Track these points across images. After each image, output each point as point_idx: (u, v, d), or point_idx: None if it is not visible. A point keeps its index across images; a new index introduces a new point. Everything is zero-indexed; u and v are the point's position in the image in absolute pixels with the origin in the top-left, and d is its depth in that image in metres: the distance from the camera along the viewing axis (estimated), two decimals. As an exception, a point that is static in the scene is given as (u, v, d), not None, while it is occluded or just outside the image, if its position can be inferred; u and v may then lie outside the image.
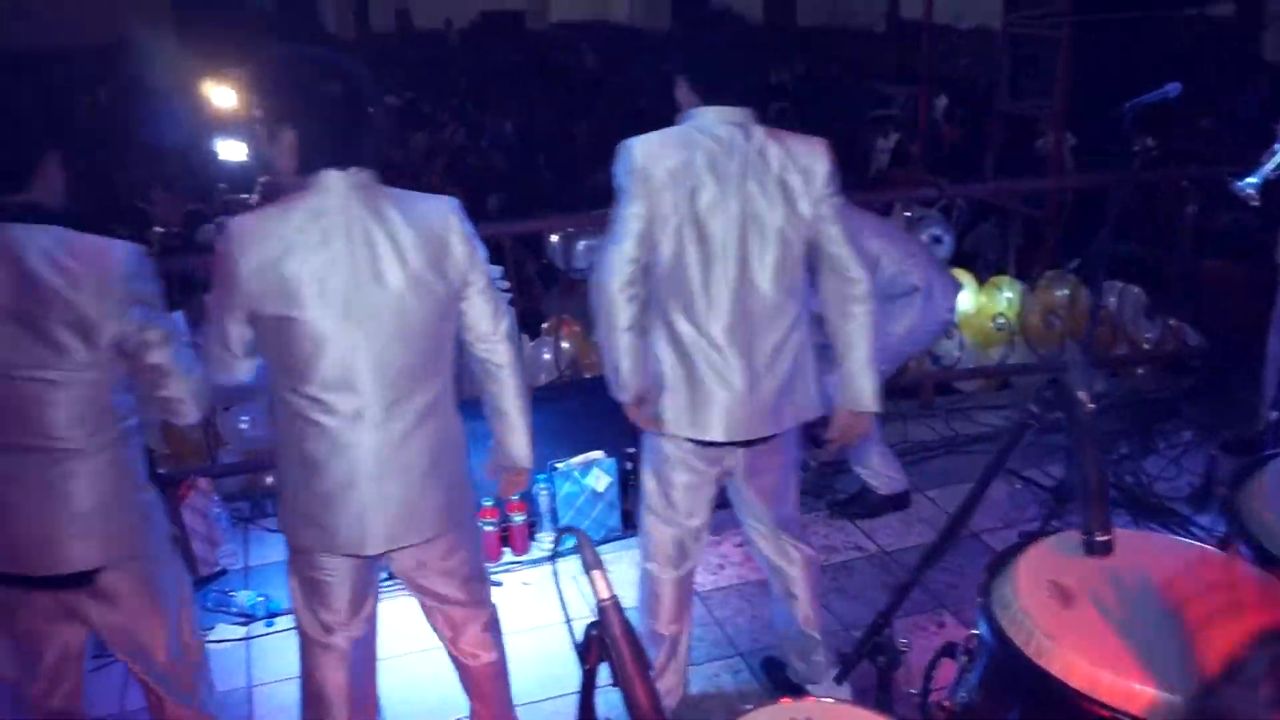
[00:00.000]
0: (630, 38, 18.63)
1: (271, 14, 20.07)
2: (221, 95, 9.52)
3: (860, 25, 19.26)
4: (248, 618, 3.32)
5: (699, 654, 3.08)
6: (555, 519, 3.60)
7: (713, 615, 3.28)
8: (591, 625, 1.49)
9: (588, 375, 4.35)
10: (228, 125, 9.35)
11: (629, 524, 3.69)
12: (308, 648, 2.31)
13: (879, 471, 3.77)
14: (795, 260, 2.40)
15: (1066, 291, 4.96)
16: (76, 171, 2.13)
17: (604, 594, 1.46)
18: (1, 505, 2.06)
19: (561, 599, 1.61)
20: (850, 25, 19.57)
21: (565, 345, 4.37)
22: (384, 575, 2.71)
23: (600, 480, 3.60)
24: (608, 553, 3.61)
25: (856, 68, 15.55)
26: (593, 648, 1.47)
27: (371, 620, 2.36)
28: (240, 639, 3.25)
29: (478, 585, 2.41)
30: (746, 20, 2.44)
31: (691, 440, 2.48)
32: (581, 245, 3.96)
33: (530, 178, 10.07)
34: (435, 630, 2.44)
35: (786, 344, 2.43)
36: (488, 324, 2.19)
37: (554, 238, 4.57)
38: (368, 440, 2.07)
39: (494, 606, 2.48)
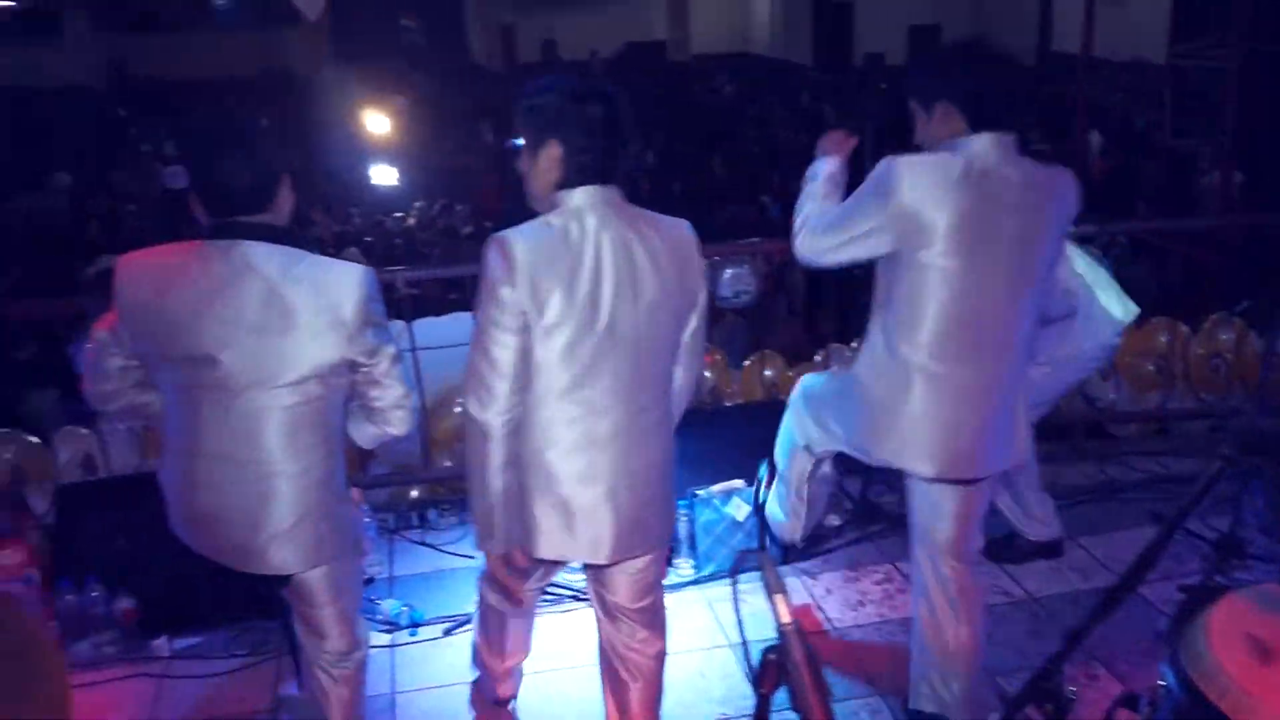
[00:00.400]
0: (769, 69, 18.64)
1: (422, 46, 20.88)
2: (376, 122, 9.96)
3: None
4: (392, 626, 3.39)
5: (839, 690, 3.01)
6: (694, 545, 3.58)
7: (852, 652, 3.21)
8: (769, 649, 1.47)
9: (728, 404, 4.34)
10: (381, 151, 9.77)
11: (767, 554, 3.65)
12: (488, 609, 2.52)
13: (1033, 516, 3.62)
14: (1042, 295, 2.43)
15: (1233, 335, 4.71)
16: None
17: (786, 618, 1.43)
18: (214, 511, 2.19)
19: (740, 623, 1.60)
20: (996, 58, 19.13)
21: (708, 374, 4.37)
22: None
23: (740, 510, 3.57)
24: (744, 583, 3.56)
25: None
26: (770, 672, 1.44)
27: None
28: (385, 646, 3.31)
29: (661, 609, 2.47)
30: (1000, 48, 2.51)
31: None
32: (728, 274, 3.96)
33: (667, 206, 10.14)
34: (604, 645, 2.47)
35: (1020, 382, 2.45)
36: (696, 342, 2.27)
37: (700, 265, 4.57)
38: (610, 452, 2.13)
39: (666, 635, 2.51)
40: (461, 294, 4.67)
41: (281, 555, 2.20)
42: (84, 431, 4.01)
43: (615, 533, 2.18)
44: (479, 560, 2.51)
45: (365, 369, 2.16)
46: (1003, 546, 3.70)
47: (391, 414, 2.23)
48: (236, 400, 2.08)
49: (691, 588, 3.52)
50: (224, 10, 20.52)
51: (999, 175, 2.30)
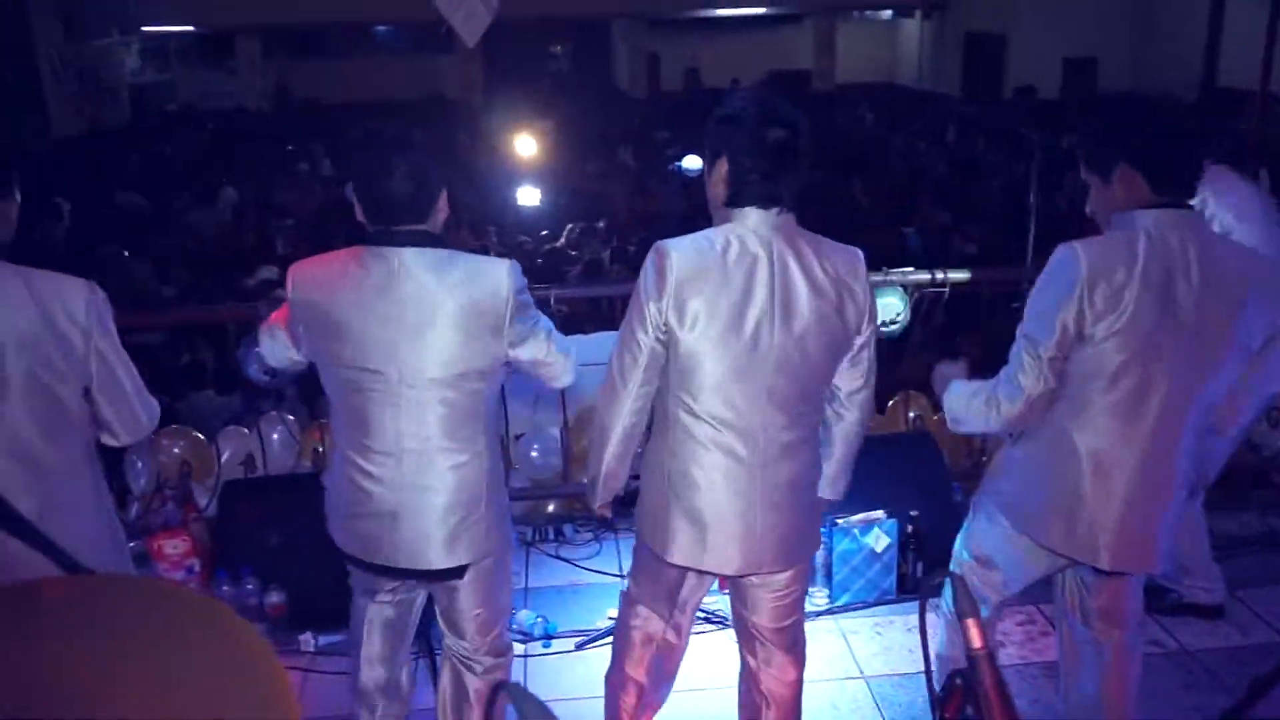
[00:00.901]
0: (914, 99, 18.37)
1: (569, 74, 21.37)
2: (524, 145, 10.20)
3: (1168, 93, 18.05)
4: (525, 636, 3.46)
5: (977, 734, 2.92)
6: (830, 574, 3.54)
7: (991, 695, 3.11)
8: (955, 674, 1.45)
9: (871, 435, 4.27)
10: (526, 173, 10.01)
11: (904, 588, 3.58)
12: (626, 629, 2.54)
13: (1189, 578, 3.43)
14: (1228, 379, 2.25)
15: None
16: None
17: (977, 644, 1.41)
18: (382, 506, 2.26)
19: (926, 650, 1.58)
20: (1155, 93, 18.39)
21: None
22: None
23: (880, 541, 3.51)
24: (880, 615, 3.51)
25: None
26: (955, 697, 1.42)
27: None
28: (518, 656, 3.36)
29: (801, 635, 2.47)
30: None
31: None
32: (877, 303, 3.90)
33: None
34: (745, 666, 2.48)
35: (1184, 472, 2.30)
36: (861, 376, 2.25)
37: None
38: (745, 466, 2.16)
39: (804, 663, 2.51)
40: (611, 311, 4.74)
41: (453, 548, 2.27)
42: (246, 432, 4.23)
43: (745, 546, 2.21)
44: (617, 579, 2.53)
45: (521, 358, 2.26)
46: (1153, 595, 3.53)
47: (560, 379, 2.37)
48: (399, 396, 2.18)
49: (825, 617, 3.49)
50: (384, 37, 21.46)
51: (1184, 256, 2.13)
